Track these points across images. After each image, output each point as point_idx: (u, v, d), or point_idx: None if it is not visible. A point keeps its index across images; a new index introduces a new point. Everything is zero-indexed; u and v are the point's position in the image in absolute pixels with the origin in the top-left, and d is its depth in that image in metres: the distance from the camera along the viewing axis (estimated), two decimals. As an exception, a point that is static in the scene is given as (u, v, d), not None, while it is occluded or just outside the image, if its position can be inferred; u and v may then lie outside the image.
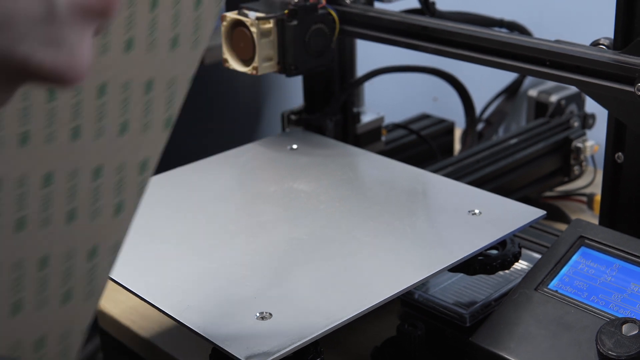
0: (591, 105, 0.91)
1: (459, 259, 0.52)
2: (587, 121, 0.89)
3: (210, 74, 1.44)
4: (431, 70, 0.84)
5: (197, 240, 0.57)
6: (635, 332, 0.46)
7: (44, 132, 0.38)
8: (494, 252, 0.57)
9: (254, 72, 0.68)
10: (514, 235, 0.57)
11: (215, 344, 0.46)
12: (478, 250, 0.53)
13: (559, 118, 0.86)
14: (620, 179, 0.59)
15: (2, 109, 0.27)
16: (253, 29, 0.67)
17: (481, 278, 0.61)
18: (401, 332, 0.56)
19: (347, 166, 0.68)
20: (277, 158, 0.70)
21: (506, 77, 0.99)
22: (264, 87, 1.41)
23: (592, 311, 0.51)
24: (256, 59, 0.68)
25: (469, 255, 0.53)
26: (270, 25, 0.68)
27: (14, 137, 0.37)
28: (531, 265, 0.57)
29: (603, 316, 0.50)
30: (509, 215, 0.57)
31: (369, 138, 0.83)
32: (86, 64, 0.34)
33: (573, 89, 0.89)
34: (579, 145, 0.82)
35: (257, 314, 0.47)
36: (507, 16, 0.91)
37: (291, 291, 0.50)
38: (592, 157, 0.87)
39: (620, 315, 0.50)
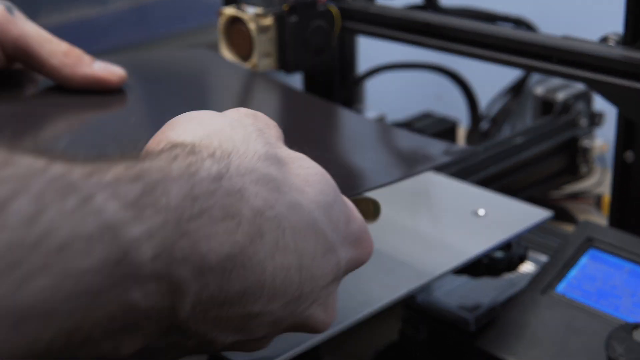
0: (599, 103, 0.90)
1: (464, 261, 0.51)
2: (595, 119, 0.88)
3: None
4: (434, 68, 0.82)
5: None
6: (647, 337, 0.45)
7: None
8: (500, 253, 0.56)
9: (253, 69, 0.67)
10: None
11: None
12: (483, 252, 0.52)
13: (565, 116, 0.85)
14: (630, 179, 0.58)
15: None
16: (251, 26, 0.66)
17: (486, 280, 0.60)
18: (404, 336, 0.55)
19: None
20: None
21: (511, 75, 0.98)
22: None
23: (601, 316, 0.49)
24: (255, 56, 0.66)
25: (474, 257, 0.52)
26: (269, 21, 0.66)
27: None
28: (538, 268, 0.56)
29: (613, 321, 0.49)
30: (515, 216, 0.56)
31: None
32: (334, 316, 0.38)
33: (580, 87, 0.88)
34: (587, 144, 0.81)
35: None
36: (513, 11, 0.90)
37: None
38: (601, 156, 0.85)
39: (630, 320, 0.48)
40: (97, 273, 0.25)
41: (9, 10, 0.53)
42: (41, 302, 0.24)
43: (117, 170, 0.26)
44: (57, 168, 0.25)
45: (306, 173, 0.36)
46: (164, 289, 0.28)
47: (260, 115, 0.37)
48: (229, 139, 0.33)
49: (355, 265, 0.38)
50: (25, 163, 0.24)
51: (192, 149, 0.30)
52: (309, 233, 0.34)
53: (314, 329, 0.37)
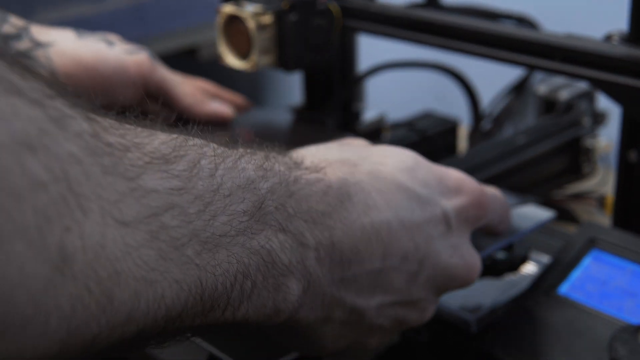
0: (602, 102, 0.89)
1: None
2: (598, 118, 0.87)
3: (207, 71, 1.43)
4: (435, 66, 0.82)
5: None
6: (652, 340, 0.44)
7: None
8: (502, 254, 0.55)
9: (252, 68, 0.67)
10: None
11: (211, 351, 0.44)
12: (485, 253, 0.51)
13: (568, 116, 0.84)
14: (633, 179, 0.58)
15: None
16: (250, 24, 0.65)
17: (488, 281, 0.59)
18: (404, 338, 0.54)
19: None
20: None
21: (513, 74, 0.97)
22: (262, 83, 1.39)
23: (604, 317, 0.49)
24: (254, 54, 0.66)
25: None
26: (268, 19, 0.66)
27: None
28: (540, 268, 0.55)
29: (616, 322, 0.48)
30: (517, 216, 0.55)
31: (370, 136, 0.81)
32: (478, 261, 0.43)
33: (583, 86, 0.88)
34: (590, 143, 0.80)
35: None
36: (516, 9, 0.89)
37: None
38: (604, 156, 0.85)
39: (634, 321, 0.48)
40: (250, 215, 0.33)
41: (152, 59, 0.67)
42: (223, 235, 0.31)
43: (241, 149, 0.35)
44: (212, 144, 0.33)
45: (385, 150, 0.42)
46: (291, 241, 0.35)
47: (352, 139, 0.46)
48: (303, 150, 0.41)
49: (466, 210, 0.42)
50: (196, 140, 0.33)
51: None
52: (397, 192, 0.39)
53: (457, 279, 0.42)
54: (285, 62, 0.67)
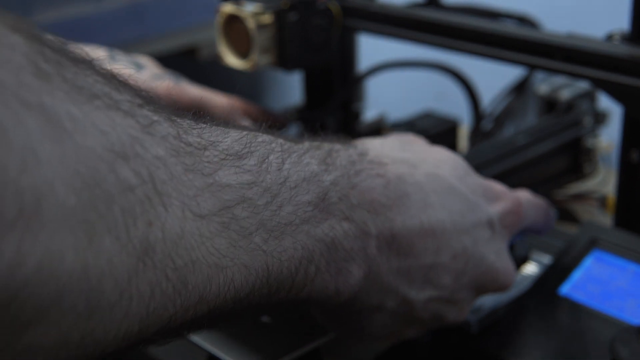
0: (604, 102, 0.89)
1: None
2: (599, 118, 0.87)
3: (206, 71, 1.42)
4: (436, 66, 0.82)
5: None
6: (653, 340, 0.44)
7: None
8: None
9: (252, 67, 0.66)
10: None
11: (209, 351, 0.44)
12: None
13: (569, 115, 0.84)
14: (635, 179, 0.57)
15: None
16: (250, 24, 0.65)
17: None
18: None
19: None
20: None
21: (514, 74, 0.97)
22: (262, 83, 1.39)
23: (605, 318, 0.49)
24: (254, 54, 0.66)
25: None
26: (268, 19, 0.66)
27: None
28: (541, 269, 0.55)
29: (617, 323, 0.48)
30: None
31: (370, 136, 0.81)
32: (514, 267, 0.46)
33: (584, 85, 0.87)
34: (591, 143, 0.80)
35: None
36: (517, 8, 0.89)
37: None
38: (605, 156, 0.85)
39: (635, 322, 0.47)
40: (314, 206, 0.36)
41: (177, 82, 0.67)
42: (289, 224, 0.34)
43: (306, 143, 0.38)
44: (279, 140, 0.36)
45: (440, 155, 0.45)
46: (355, 230, 0.37)
47: (411, 136, 0.49)
48: (368, 143, 0.43)
49: (509, 215, 0.45)
50: (264, 137, 0.35)
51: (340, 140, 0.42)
52: (451, 195, 0.42)
53: (497, 282, 0.44)
54: (285, 62, 0.67)
